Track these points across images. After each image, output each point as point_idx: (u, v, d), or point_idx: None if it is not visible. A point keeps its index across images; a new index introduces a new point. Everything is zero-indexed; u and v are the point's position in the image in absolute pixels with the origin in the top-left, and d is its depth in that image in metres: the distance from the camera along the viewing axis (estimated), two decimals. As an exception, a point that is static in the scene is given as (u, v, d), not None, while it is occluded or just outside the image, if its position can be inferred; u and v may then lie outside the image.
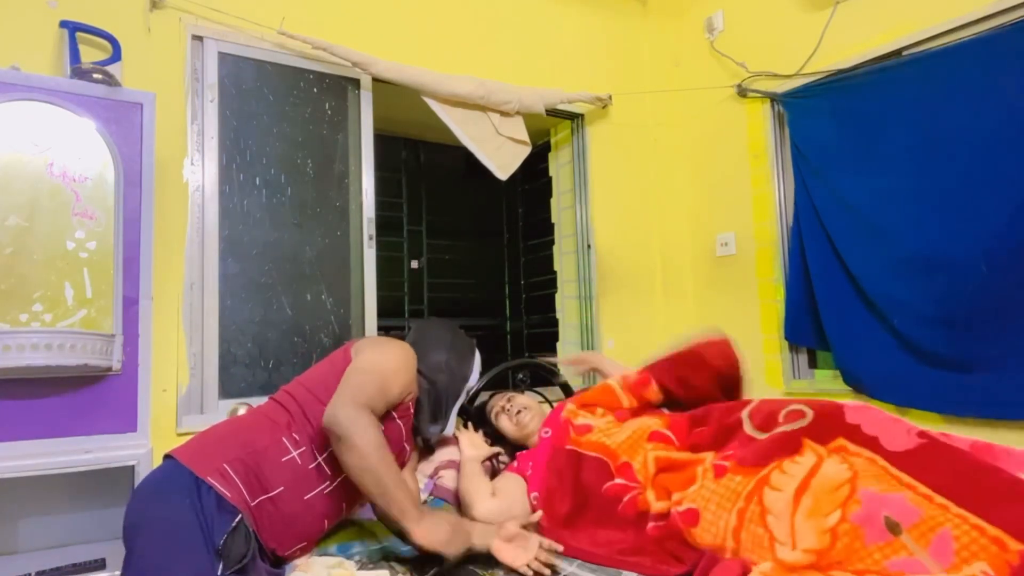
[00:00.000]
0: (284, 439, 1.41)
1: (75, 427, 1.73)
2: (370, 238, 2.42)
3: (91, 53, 1.92)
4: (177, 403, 2.01)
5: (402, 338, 1.71)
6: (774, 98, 2.65)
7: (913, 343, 2.16)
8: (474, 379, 1.77)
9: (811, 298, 2.44)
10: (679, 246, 3.08)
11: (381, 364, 1.49)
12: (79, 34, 1.89)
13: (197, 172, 2.13)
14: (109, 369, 1.77)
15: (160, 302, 1.93)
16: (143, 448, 1.77)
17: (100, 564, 1.67)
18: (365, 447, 1.30)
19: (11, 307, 1.63)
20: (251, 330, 2.19)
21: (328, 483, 1.43)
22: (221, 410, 2.06)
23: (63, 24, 1.89)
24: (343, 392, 1.38)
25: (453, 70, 2.52)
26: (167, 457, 1.37)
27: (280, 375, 2.21)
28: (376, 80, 2.42)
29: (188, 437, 2.02)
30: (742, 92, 2.77)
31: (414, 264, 4.17)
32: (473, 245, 4.00)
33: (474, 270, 3.96)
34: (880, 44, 2.31)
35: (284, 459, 1.38)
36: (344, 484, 1.44)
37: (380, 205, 2.52)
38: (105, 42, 1.94)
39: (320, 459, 1.43)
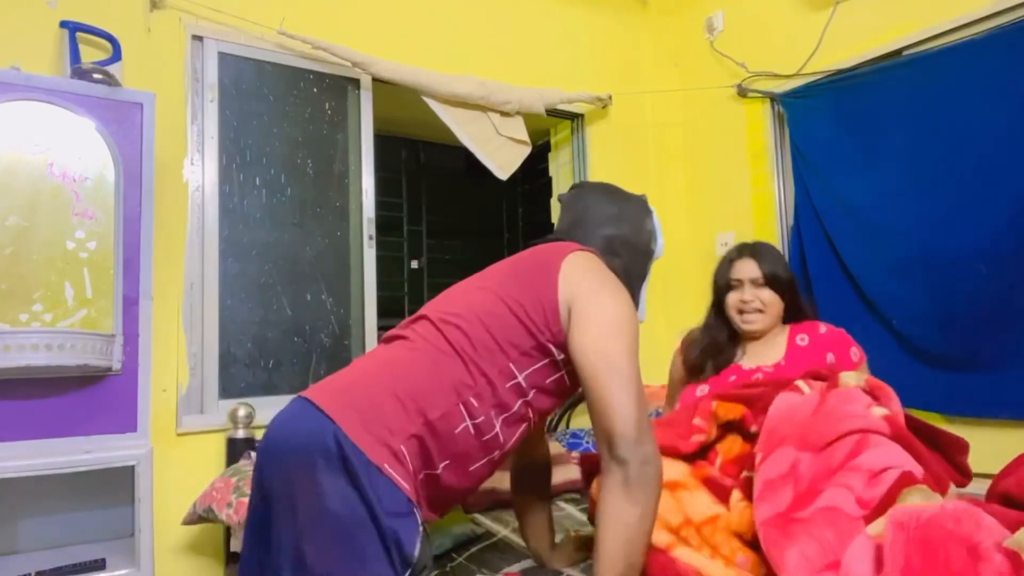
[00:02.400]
0: (461, 406, 1.11)
1: (75, 427, 1.73)
2: (370, 238, 2.42)
3: (91, 53, 1.92)
4: (177, 403, 2.01)
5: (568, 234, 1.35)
6: (774, 98, 2.65)
7: (912, 343, 2.16)
8: (660, 246, 1.42)
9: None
10: (679, 246, 3.08)
11: (629, 325, 1.16)
12: (79, 34, 1.89)
13: (197, 172, 2.13)
14: (109, 369, 1.77)
15: (160, 302, 1.93)
16: (143, 448, 1.77)
17: (100, 564, 1.68)
18: (652, 510, 1.06)
19: (11, 307, 1.63)
20: (251, 330, 2.19)
21: (498, 451, 1.17)
22: (221, 410, 2.06)
23: (63, 24, 1.89)
24: (642, 415, 1.07)
25: (453, 70, 2.52)
26: (315, 408, 1.05)
27: (280, 375, 2.21)
28: (376, 80, 2.42)
29: (188, 437, 2.04)
30: (742, 92, 2.77)
31: (414, 264, 4.17)
32: (473, 245, 4.00)
33: (474, 270, 3.94)
34: (880, 44, 2.31)
35: (457, 430, 1.11)
36: (510, 449, 1.21)
37: (380, 205, 2.52)
38: (105, 42, 1.94)
39: (497, 428, 1.15)
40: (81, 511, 1.84)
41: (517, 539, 1.64)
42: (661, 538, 1.19)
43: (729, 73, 2.84)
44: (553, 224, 3.19)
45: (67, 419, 1.73)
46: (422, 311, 1.24)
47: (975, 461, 1.36)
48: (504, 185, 2.86)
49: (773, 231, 2.68)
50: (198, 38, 2.15)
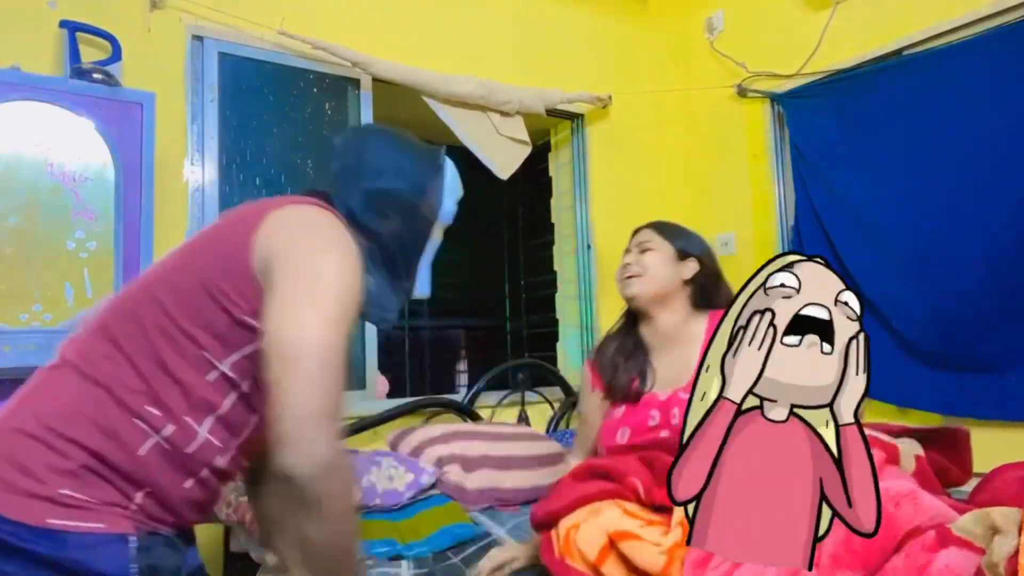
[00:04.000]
0: (137, 420, 0.87)
1: (75, 427, 1.73)
2: (370, 238, 2.41)
3: (91, 53, 1.92)
4: (177, 403, 2.00)
5: (319, 194, 1.08)
6: (774, 98, 2.65)
7: (912, 343, 2.16)
8: (447, 209, 1.17)
9: (811, 298, 2.44)
10: (679, 246, 3.08)
11: (335, 289, 0.88)
12: (79, 34, 1.89)
13: (197, 172, 2.13)
14: (109, 369, 1.76)
15: (160, 302, 1.93)
16: (143, 448, 1.77)
17: (100, 564, 1.67)
18: (341, 515, 0.86)
19: (11, 307, 1.63)
20: (251, 330, 2.18)
21: (220, 454, 0.94)
22: (221, 410, 2.06)
23: (63, 24, 1.89)
24: (325, 410, 0.82)
25: (453, 70, 2.52)
26: None
27: (280, 375, 2.21)
28: (376, 80, 2.42)
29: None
30: (742, 92, 2.77)
31: (414, 264, 4.16)
32: (473, 245, 3.99)
33: (474, 270, 3.95)
34: (880, 44, 2.31)
35: (143, 451, 0.87)
36: (247, 443, 0.97)
37: (380, 205, 2.52)
38: (105, 42, 1.94)
39: (204, 435, 0.91)
40: (81, 511, 1.83)
41: (511, 540, 1.64)
42: None
43: (729, 73, 2.84)
44: (552, 225, 3.20)
45: (67, 419, 1.72)
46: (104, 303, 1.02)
47: (974, 463, 1.36)
48: (504, 185, 2.86)
49: (773, 231, 2.68)
50: (198, 38, 2.15)
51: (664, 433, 1.43)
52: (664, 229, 1.58)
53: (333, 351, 0.83)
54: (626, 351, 1.54)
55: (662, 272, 1.51)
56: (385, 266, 1.10)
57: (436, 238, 1.18)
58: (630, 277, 1.53)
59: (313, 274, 0.88)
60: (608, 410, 1.55)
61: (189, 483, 0.92)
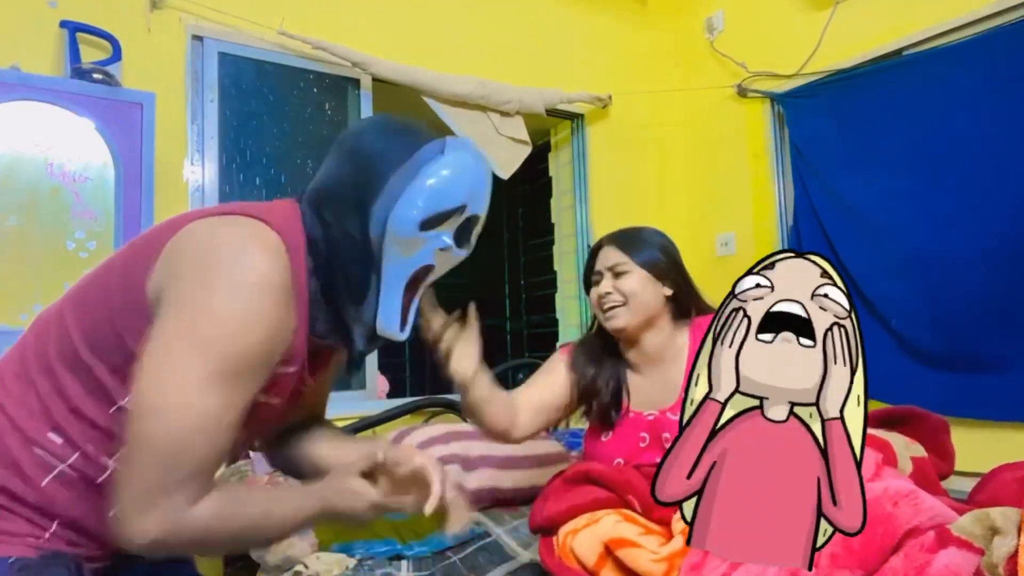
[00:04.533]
0: (37, 449, 0.79)
1: (75, 427, 1.73)
2: (370, 238, 2.41)
3: (91, 53, 1.92)
4: (177, 403, 2.00)
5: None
6: (774, 98, 2.65)
7: (911, 343, 2.16)
8: (406, 219, 0.86)
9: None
10: (679, 246, 3.07)
11: (212, 336, 0.74)
12: (79, 34, 1.89)
13: (197, 172, 2.13)
14: (109, 369, 1.76)
15: (160, 302, 1.93)
16: (143, 448, 1.77)
17: (100, 564, 1.67)
18: (213, 538, 0.79)
19: (11, 307, 1.63)
20: (251, 330, 2.18)
21: None
22: (221, 410, 2.06)
23: (63, 24, 1.89)
24: (136, 466, 0.73)
25: (453, 70, 2.52)
26: None
27: (280, 375, 2.21)
28: (376, 80, 2.42)
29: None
30: (742, 92, 2.77)
31: (414, 264, 4.15)
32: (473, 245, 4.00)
33: (474, 270, 3.95)
34: (880, 44, 2.31)
35: (45, 482, 0.79)
36: None
37: (380, 205, 2.52)
38: (105, 42, 1.94)
39: (114, 465, 0.80)
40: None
41: (508, 539, 1.64)
42: None
43: (729, 73, 2.84)
44: (552, 224, 3.20)
45: (67, 419, 1.72)
46: None
47: (973, 463, 1.36)
48: (504, 185, 2.86)
49: (773, 231, 2.68)
50: (198, 38, 2.15)
51: (658, 458, 1.42)
52: (629, 245, 1.48)
53: (187, 420, 0.73)
54: (607, 376, 1.48)
55: (644, 297, 1.43)
56: (325, 283, 0.86)
57: (407, 255, 0.88)
58: (613, 308, 1.42)
59: (188, 318, 0.74)
60: (591, 433, 1.53)
61: (113, 512, 0.81)
